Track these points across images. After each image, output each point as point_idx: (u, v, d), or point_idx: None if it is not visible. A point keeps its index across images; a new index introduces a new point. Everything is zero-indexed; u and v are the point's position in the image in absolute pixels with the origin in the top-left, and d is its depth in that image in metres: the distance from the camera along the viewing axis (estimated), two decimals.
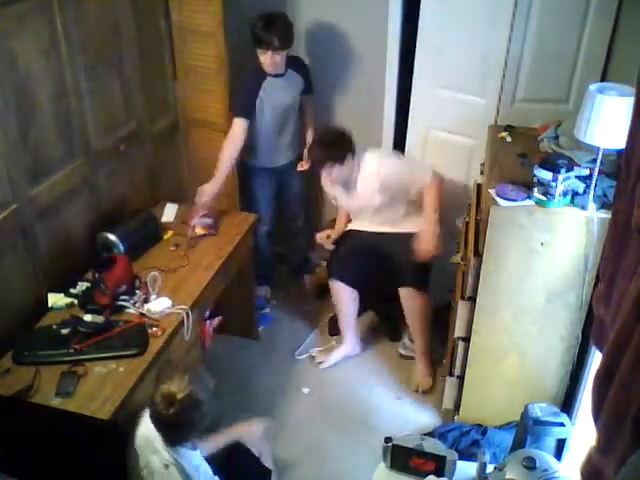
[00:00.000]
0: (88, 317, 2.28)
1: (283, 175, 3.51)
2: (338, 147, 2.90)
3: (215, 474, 2.08)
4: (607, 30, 2.67)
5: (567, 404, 2.63)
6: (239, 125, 3.11)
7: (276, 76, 3.18)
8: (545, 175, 2.23)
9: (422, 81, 3.16)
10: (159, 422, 1.93)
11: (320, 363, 3.30)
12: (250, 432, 2.41)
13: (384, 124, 3.52)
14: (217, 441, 2.32)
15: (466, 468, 1.95)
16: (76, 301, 2.42)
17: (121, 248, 2.63)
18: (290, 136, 3.38)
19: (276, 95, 3.20)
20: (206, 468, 2.06)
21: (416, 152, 3.32)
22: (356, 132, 3.03)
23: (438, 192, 2.92)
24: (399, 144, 3.49)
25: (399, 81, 3.39)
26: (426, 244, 2.89)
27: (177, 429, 1.93)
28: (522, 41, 2.79)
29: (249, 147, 3.29)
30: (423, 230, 2.91)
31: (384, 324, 3.55)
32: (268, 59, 3.07)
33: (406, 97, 3.28)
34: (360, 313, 3.41)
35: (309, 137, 3.50)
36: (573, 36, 2.73)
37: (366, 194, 3.01)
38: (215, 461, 2.15)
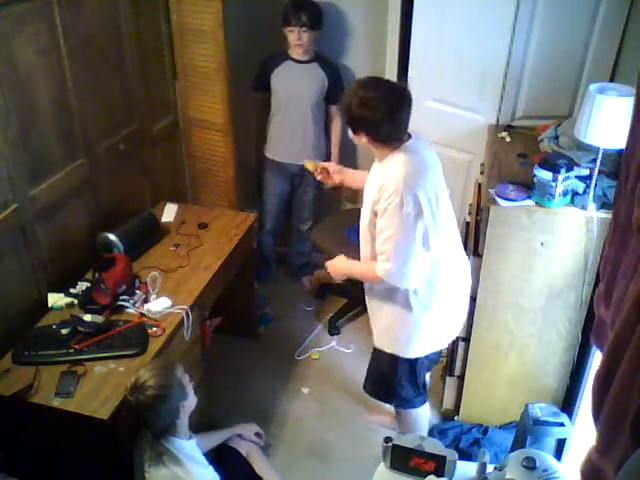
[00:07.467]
0: (88, 317, 2.27)
1: (297, 178, 3.48)
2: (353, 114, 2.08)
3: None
4: (615, 41, 2.59)
5: (567, 404, 2.63)
6: (254, 98, 3.34)
7: (297, 62, 3.19)
8: (545, 175, 2.23)
9: (415, 92, 3.08)
10: (130, 412, 1.96)
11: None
12: (241, 429, 2.60)
13: None
14: (211, 437, 2.46)
15: (466, 468, 1.95)
16: (76, 301, 2.42)
17: (121, 248, 2.63)
18: (308, 137, 3.32)
19: (292, 80, 3.21)
20: (201, 458, 2.07)
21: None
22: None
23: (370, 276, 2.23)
24: None
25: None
26: (333, 270, 2.38)
27: (144, 416, 1.95)
28: (523, 54, 2.70)
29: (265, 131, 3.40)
30: (341, 260, 2.36)
31: None
32: (295, 36, 3.10)
33: None
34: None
35: (333, 151, 3.44)
36: (578, 49, 2.65)
37: (368, 192, 2.18)
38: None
